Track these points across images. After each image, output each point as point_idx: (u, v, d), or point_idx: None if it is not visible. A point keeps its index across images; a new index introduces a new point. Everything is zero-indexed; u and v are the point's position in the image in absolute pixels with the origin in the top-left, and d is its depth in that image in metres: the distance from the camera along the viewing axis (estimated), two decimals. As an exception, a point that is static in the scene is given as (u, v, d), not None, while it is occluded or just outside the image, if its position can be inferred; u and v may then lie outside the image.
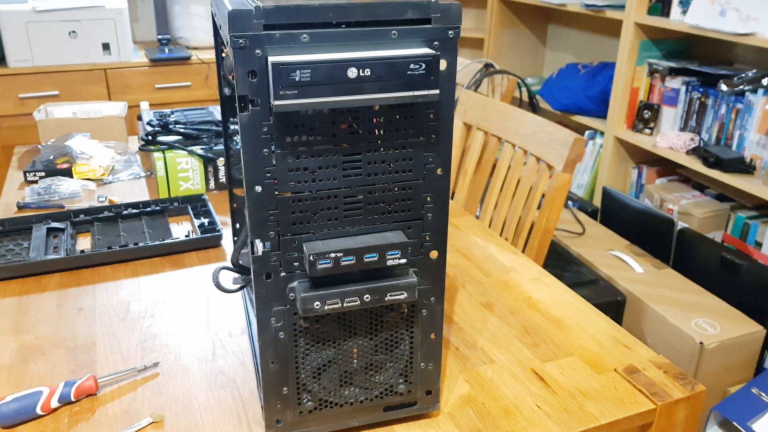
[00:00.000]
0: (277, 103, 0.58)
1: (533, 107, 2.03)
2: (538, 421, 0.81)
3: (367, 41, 0.61)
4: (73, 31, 2.47)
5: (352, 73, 0.59)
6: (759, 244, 2.09)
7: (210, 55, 2.74)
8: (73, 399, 0.82)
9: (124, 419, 0.80)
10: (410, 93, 0.61)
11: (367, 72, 0.59)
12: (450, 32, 0.63)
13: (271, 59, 0.58)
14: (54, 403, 0.80)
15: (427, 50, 0.62)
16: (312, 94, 0.59)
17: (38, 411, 0.79)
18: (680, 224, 2.09)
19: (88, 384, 0.82)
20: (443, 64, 0.64)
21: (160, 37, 2.78)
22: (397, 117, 0.65)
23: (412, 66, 0.60)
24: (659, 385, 0.87)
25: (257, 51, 0.59)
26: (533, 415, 0.82)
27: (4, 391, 0.84)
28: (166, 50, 2.72)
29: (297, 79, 0.58)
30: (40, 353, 0.92)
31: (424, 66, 0.61)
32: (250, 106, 0.61)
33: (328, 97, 0.59)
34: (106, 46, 2.54)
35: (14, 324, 0.99)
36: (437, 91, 0.63)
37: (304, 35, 0.59)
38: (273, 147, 0.63)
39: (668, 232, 2.08)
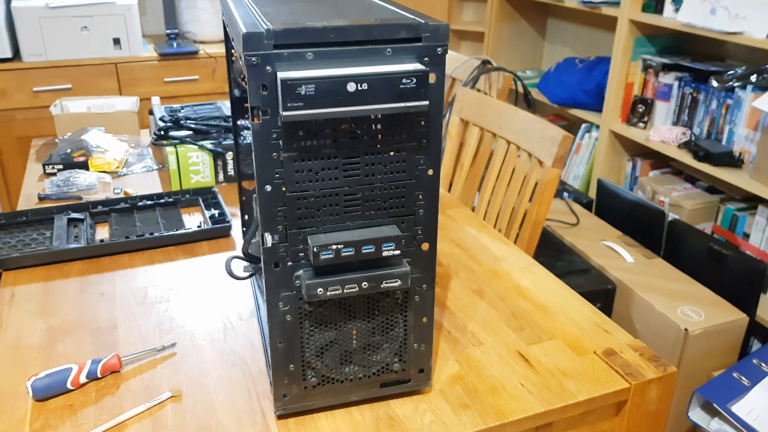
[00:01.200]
0: (285, 113, 0.66)
1: (528, 102, 2.10)
2: (521, 397, 0.89)
3: (365, 58, 0.69)
4: (85, 27, 2.55)
5: (351, 87, 0.67)
6: (747, 235, 2.16)
7: (216, 49, 2.81)
8: (99, 375, 0.90)
9: (146, 393, 0.88)
10: (403, 104, 0.69)
11: (365, 86, 0.67)
12: (438, 49, 0.71)
13: (280, 75, 0.66)
14: (82, 379, 0.89)
15: (418, 66, 0.70)
16: (316, 105, 0.67)
17: (68, 386, 0.88)
18: (671, 216, 2.16)
19: (112, 362, 0.91)
20: (432, 78, 0.71)
21: (168, 31, 2.84)
22: (392, 125, 0.73)
23: (404, 80, 0.68)
24: (634, 366, 0.95)
25: (268, 67, 0.67)
26: (517, 392, 0.90)
27: (36, 367, 0.93)
28: (175, 44, 2.78)
29: (302, 93, 0.65)
30: (66, 334, 1.01)
31: (415, 80, 0.68)
32: (261, 115, 0.69)
33: (329, 108, 0.67)
34: (116, 41, 2.62)
35: (41, 308, 1.07)
36: (427, 102, 0.70)
37: (309, 53, 0.67)
38: (281, 151, 0.71)
39: (659, 223, 2.14)
